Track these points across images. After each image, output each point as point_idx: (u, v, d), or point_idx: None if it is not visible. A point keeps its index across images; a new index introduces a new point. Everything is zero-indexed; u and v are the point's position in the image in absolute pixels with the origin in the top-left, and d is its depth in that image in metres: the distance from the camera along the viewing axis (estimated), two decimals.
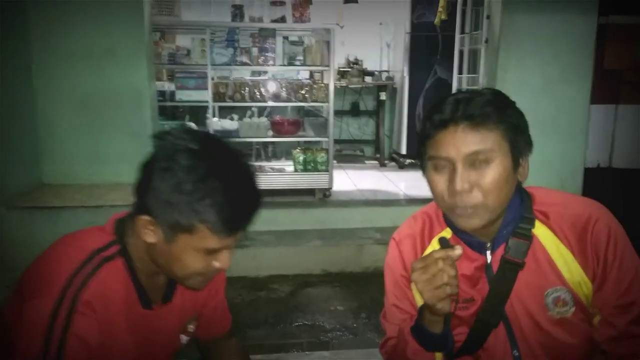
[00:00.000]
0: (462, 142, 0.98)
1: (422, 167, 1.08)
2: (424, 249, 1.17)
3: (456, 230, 1.12)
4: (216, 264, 0.99)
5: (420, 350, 1.06)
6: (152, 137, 0.97)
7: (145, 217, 0.95)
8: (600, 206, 1.08)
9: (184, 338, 1.21)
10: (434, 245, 1.13)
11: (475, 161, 0.98)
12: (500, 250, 1.07)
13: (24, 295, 0.95)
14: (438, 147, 1.01)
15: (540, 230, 1.07)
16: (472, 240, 1.10)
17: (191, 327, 1.22)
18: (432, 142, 1.02)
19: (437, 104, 1.03)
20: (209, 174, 0.91)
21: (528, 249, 1.05)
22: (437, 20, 4.70)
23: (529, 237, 1.06)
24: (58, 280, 0.93)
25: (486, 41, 3.85)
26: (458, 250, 0.96)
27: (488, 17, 3.79)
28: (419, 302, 1.10)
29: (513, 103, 1.05)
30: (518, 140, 1.02)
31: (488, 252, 1.09)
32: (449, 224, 1.13)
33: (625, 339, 1.01)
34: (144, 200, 0.94)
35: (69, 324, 0.90)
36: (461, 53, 4.49)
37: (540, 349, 1.06)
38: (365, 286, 3.26)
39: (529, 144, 1.05)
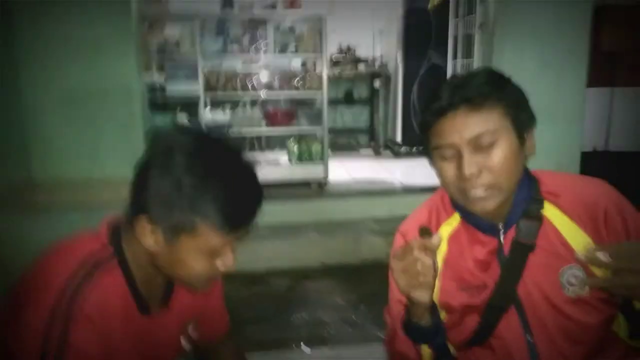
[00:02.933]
0: (463, 127, 0.97)
1: (429, 158, 1.07)
2: None
3: (466, 215, 1.11)
4: (220, 264, 0.97)
5: (407, 341, 1.06)
6: (146, 137, 0.93)
7: (145, 220, 0.91)
8: (605, 184, 1.08)
9: (186, 345, 1.19)
10: (442, 233, 1.12)
11: (480, 144, 0.97)
12: (511, 233, 1.07)
13: (19, 304, 0.92)
14: (441, 135, 1.00)
15: (550, 211, 1.06)
16: (483, 224, 1.09)
17: (191, 330, 1.20)
18: (433, 131, 1.01)
19: (433, 93, 1.02)
20: (208, 170, 0.89)
21: (539, 229, 1.05)
22: (430, 6, 4.65)
23: (539, 218, 1.05)
24: (52, 288, 0.90)
25: (481, 26, 3.79)
26: (435, 239, 0.95)
27: (482, 0, 3.73)
28: None
29: (509, 79, 1.04)
30: (520, 115, 1.01)
31: (501, 233, 1.07)
32: (458, 209, 1.12)
33: None
34: (142, 202, 0.91)
35: (66, 333, 0.87)
36: (455, 38, 4.44)
37: (558, 332, 1.04)
38: (363, 278, 3.22)
39: (531, 118, 1.04)
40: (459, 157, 0.99)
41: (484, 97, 0.97)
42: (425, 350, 1.06)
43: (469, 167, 0.97)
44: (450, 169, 1.01)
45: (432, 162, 1.06)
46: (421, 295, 0.96)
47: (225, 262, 0.97)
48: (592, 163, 3.97)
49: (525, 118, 1.02)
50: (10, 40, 3.12)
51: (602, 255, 0.86)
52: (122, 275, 0.98)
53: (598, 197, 1.04)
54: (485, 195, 1.00)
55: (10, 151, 3.12)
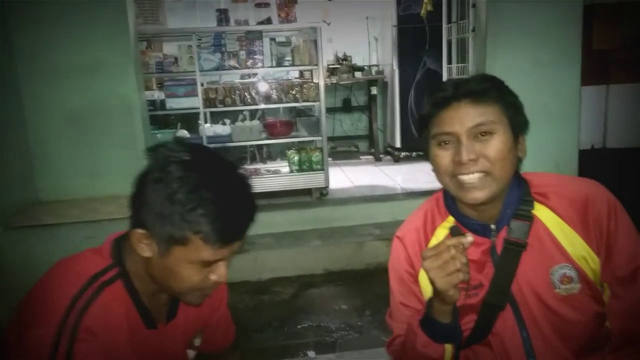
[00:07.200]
0: (465, 116, 1.02)
1: (425, 148, 1.11)
2: (427, 240, 1.17)
3: (460, 218, 1.13)
4: (213, 277, 0.97)
5: (430, 343, 1.06)
6: (146, 151, 0.97)
7: (140, 231, 0.93)
8: (595, 183, 1.11)
9: (191, 353, 1.20)
10: (438, 236, 1.15)
11: (479, 133, 1.02)
12: (503, 233, 1.09)
13: (24, 323, 0.93)
14: (442, 123, 1.04)
15: (540, 211, 1.08)
16: (476, 226, 1.11)
17: (197, 342, 1.22)
18: (435, 120, 1.06)
19: (436, 87, 1.08)
20: (201, 183, 0.90)
21: (530, 229, 1.07)
22: (423, 12, 4.70)
23: (529, 218, 1.08)
24: (58, 307, 0.91)
25: (473, 30, 3.84)
26: (469, 238, 0.99)
27: (474, 5, 3.78)
28: (427, 296, 1.11)
29: (506, 85, 1.10)
30: (516, 117, 1.06)
31: (493, 234, 1.10)
32: (452, 212, 1.15)
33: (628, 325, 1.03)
34: (139, 214, 0.93)
35: (71, 352, 0.88)
36: (449, 43, 4.48)
37: (549, 328, 1.06)
38: (367, 283, 3.25)
39: (525, 123, 1.10)
40: (457, 144, 1.03)
41: (485, 91, 1.03)
42: (448, 348, 1.07)
43: (468, 153, 1.01)
44: (446, 156, 1.05)
45: (429, 151, 1.09)
46: (456, 293, 0.99)
47: (218, 274, 0.96)
48: (590, 160, 3.99)
49: (520, 120, 1.07)
50: (12, 64, 3.17)
51: None
52: (126, 290, 1.00)
53: (587, 196, 1.06)
54: (477, 184, 1.02)
55: (15, 171, 3.16)
